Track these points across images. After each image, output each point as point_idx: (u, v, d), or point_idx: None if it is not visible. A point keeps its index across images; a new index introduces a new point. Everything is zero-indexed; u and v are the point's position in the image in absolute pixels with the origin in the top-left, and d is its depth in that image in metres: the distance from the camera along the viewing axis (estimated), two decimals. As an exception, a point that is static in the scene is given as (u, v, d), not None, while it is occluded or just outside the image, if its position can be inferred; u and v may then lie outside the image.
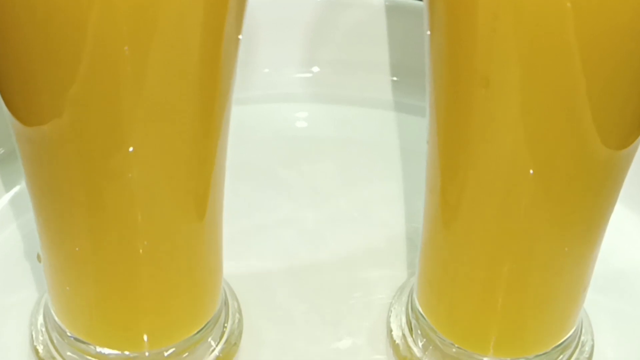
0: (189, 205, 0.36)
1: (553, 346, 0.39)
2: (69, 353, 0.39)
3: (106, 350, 0.38)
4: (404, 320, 0.42)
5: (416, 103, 0.52)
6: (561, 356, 0.40)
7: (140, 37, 0.29)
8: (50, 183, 0.34)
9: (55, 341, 0.39)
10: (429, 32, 0.34)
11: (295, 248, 0.46)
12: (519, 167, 0.33)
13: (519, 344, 0.39)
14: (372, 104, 0.54)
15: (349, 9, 0.54)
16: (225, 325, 0.41)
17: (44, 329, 0.40)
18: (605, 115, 0.32)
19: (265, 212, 0.48)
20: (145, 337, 0.38)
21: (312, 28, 0.54)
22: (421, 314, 0.40)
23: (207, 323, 0.39)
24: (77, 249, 0.36)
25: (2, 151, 0.49)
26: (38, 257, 0.42)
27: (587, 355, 0.41)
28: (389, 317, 0.43)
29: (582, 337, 0.41)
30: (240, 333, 0.41)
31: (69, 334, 0.39)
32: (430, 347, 0.40)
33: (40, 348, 0.40)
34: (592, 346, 0.41)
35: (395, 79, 0.55)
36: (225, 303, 0.41)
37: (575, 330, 0.40)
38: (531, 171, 0.33)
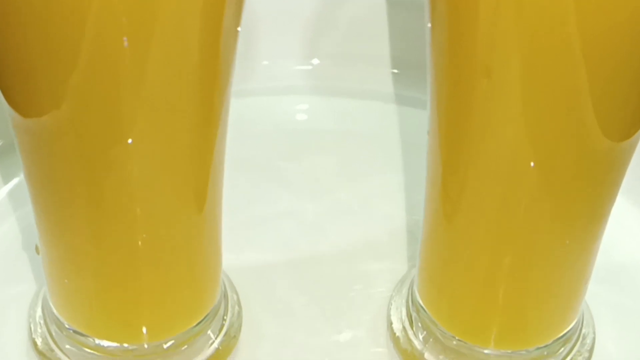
0: (188, 197, 0.36)
1: (554, 339, 0.39)
2: (67, 346, 0.39)
3: (105, 343, 0.38)
4: (404, 312, 0.41)
5: (417, 95, 0.52)
6: (562, 349, 0.40)
7: (139, 29, 0.29)
8: (48, 175, 0.34)
9: (53, 334, 0.39)
10: (429, 25, 0.33)
11: (295, 241, 0.46)
12: (520, 159, 0.33)
13: (519, 337, 0.39)
14: (373, 96, 0.54)
15: (349, 0, 0.54)
16: (225, 317, 0.41)
17: (42, 322, 0.40)
18: (607, 106, 0.32)
19: (265, 204, 0.48)
20: (144, 330, 0.38)
21: (312, 20, 0.54)
22: (422, 307, 0.40)
23: (207, 315, 0.39)
24: (75, 241, 0.35)
25: (1, 143, 0.49)
26: (36, 248, 0.42)
27: (588, 348, 0.41)
28: (389, 309, 0.42)
29: (584, 330, 0.41)
30: (240, 326, 0.41)
31: (67, 326, 0.38)
32: (431, 340, 0.40)
33: (38, 340, 0.40)
34: (594, 339, 0.41)
35: (395, 71, 0.55)
36: (225, 295, 0.41)
37: (576, 323, 0.40)
38: (532, 163, 0.33)
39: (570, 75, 0.31)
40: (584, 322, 0.41)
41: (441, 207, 0.37)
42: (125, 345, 0.38)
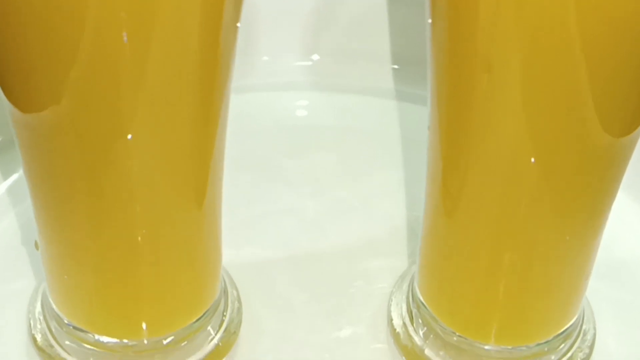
0: (187, 193, 0.35)
1: (555, 335, 0.39)
2: (67, 342, 0.39)
3: (105, 339, 0.38)
4: (404, 309, 0.41)
5: (417, 92, 0.52)
6: (563, 345, 0.40)
7: (138, 25, 0.29)
8: (48, 171, 0.34)
9: (53, 330, 0.39)
10: (430, 21, 0.33)
11: (296, 237, 0.46)
12: (520, 155, 0.33)
13: (520, 333, 0.39)
14: (373, 92, 0.54)
15: (349, -4, 0.54)
16: (225, 314, 0.41)
17: (41, 318, 0.40)
18: (608, 101, 0.32)
19: (266, 201, 0.48)
20: (143, 325, 0.38)
21: (312, 15, 0.54)
22: (422, 303, 0.40)
23: (206, 311, 0.39)
24: (75, 237, 0.35)
25: (0, 139, 0.49)
26: (36, 244, 0.42)
27: (588, 344, 0.41)
28: (389, 306, 0.42)
29: (584, 326, 0.41)
30: (240, 322, 0.41)
31: (67, 322, 0.38)
32: (431, 336, 0.40)
33: (38, 337, 0.40)
34: (594, 335, 0.41)
35: (396, 67, 0.55)
36: (225, 292, 0.41)
37: (577, 319, 0.40)
38: (532, 159, 0.33)
39: (571, 71, 0.30)
40: (585, 318, 0.41)
41: (441, 203, 0.37)
42: (125, 341, 0.38)
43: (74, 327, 0.38)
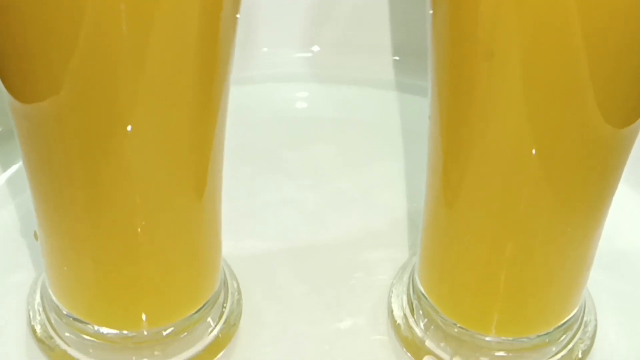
0: (187, 184, 0.35)
1: (555, 326, 0.39)
2: (66, 333, 0.39)
3: (104, 330, 0.38)
4: (405, 300, 0.41)
5: (418, 83, 0.52)
6: (564, 336, 0.39)
7: (138, 16, 0.29)
8: (47, 162, 0.34)
9: (53, 321, 0.39)
10: (431, 12, 0.33)
11: (296, 229, 0.46)
12: (521, 145, 0.33)
13: (521, 324, 0.39)
14: (373, 83, 0.54)
15: (350, -13, 0.54)
16: (225, 305, 0.41)
17: (41, 309, 0.40)
18: (609, 91, 0.32)
19: (266, 192, 0.48)
20: (143, 316, 0.38)
21: (313, 6, 0.54)
22: (423, 294, 0.40)
23: (206, 303, 0.39)
24: (74, 228, 0.35)
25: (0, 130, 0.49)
26: (35, 235, 0.42)
27: (590, 335, 0.41)
28: (390, 297, 0.42)
29: (585, 318, 0.41)
30: (240, 313, 0.41)
31: (66, 313, 0.38)
32: (432, 327, 0.40)
33: (37, 328, 0.40)
34: (595, 326, 0.41)
35: (396, 58, 0.55)
36: (225, 283, 0.41)
37: (578, 310, 0.40)
38: (534, 148, 0.33)
39: (572, 59, 0.30)
40: (586, 310, 0.41)
41: (442, 194, 0.37)
42: (125, 332, 0.38)
43: (74, 319, 0.38)
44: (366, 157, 0.50)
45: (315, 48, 0.55)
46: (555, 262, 0.37)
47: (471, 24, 0.31)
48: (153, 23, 0.30)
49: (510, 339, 0.39)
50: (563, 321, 0.39)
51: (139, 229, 0.35)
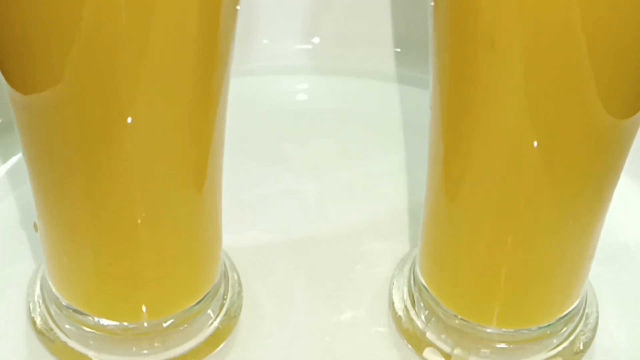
0: (187, 176, 0.35)
1: (557, 318, 0.39)
2: (67, 325, 0.39)
3: (104, 321, 0.38)
4: (406, 292, 0.41)
5: (419, 75, 0.52)
6: (565, 328, 0.39)
7: (138, 6, 0.29)
8: (47, 153, 0.34)
9: (52, 313, 0.39)
10: (432, 3, 0.33)
11: (296, 221, 0.46)
12: (523, 136, 0.33)
13: (522, 316, 0.39)
14: (374, 75, 0.54)
15: (350, -21, 0.54)
16: (225, 297, 0.41)
17: (41, 301, 0.40)
18: (611, 81, 0.32)
19: (266, 185, 0.48)
20: (143, 308, 0.38)
21: (313, -2, 0.54)
22: (424, 286, 0.40)
23: (206, 294, 0.39)
24: (74, 219, 0.35)
25: (-1, 121, 0.49)
26: (35, 226, 0.42)
27: (591, 328, 0.41)
28: (390, 289, 0.42)
29: (587, 310, 0.41)
30: (240, 305, 0.41)
31: (66, 304, 0.38)
32: (433, 319, 0.40)
33: (37, 320, 0.40)
34: (597, 318, 0.41)
35: (398, 50, 0.55)
36: (225, 275, 0.41)
37: (579, 302, 0.40)
38: (535, 140, 0.33)
39: (574, 50, 0.30)
40: (588, 302, 0.41)
41: (443, 186, 0.37)
42: (125, 323, 0.38)
43: (74, 310, 0.38)
44: (367, 150, 0.50)
45: (316, 40, 0.55)
46: (557, 254, 0.37)
47: (472, 15, 0.31)
48: (153, 14, 0.30)
49: (512, 330, 0.39)
50: (564, 313, 0.39)
51: (139, 221, 0.35)
